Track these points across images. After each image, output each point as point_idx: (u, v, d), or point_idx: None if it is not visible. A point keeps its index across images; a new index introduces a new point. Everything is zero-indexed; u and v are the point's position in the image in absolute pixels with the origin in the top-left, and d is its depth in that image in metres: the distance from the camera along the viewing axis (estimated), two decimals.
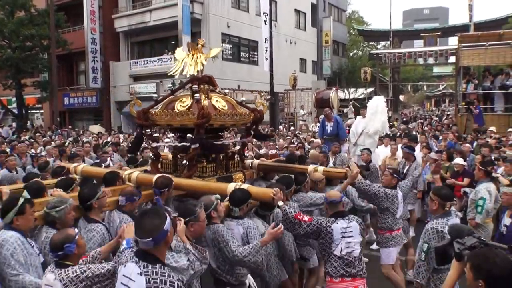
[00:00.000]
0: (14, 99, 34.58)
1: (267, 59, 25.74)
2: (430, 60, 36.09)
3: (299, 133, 19.02)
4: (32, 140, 17.35)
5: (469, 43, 20.80)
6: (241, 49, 33.77)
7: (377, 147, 12.81)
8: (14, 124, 33.73)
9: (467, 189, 9.16)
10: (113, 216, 5.29)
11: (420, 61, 38.39)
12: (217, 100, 6.70)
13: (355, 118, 16.72)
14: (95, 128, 29.24)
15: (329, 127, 13.86)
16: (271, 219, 5.63)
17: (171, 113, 6.43)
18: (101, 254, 4.19)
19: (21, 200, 4.46)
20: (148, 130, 7.11)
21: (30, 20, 30.27)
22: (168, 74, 7.27)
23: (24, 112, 33.35)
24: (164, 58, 31.79)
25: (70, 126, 30.77)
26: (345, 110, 27.67)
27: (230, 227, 5.02)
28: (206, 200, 4.88)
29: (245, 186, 5.68)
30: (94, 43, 33.59)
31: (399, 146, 12.17)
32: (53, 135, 23.42)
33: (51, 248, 3.80)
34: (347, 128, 15.70)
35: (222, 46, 31.56)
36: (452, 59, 32.85)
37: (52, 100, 30.28)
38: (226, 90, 7.55)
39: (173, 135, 8.67)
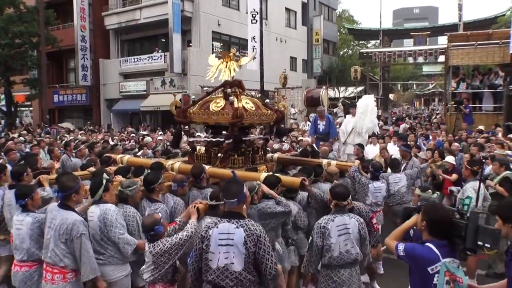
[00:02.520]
0: (3, 96, 34.36)
1: (254, 58, 25.70)
2: (420, 59, 36.34)
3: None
4: (22, 138, 17.27)
5: (459, 42, 20.92)
6: (231, 47, 33.60)
7: (366, 146, 12.88)
8: (3, 122, 33.56)
9: (453, 188, 9.25)
10: (167, 198, 6.44)
11: (410, 60, 38.68)
12: (246, 102, 7.68)
13: (345, 116, 16.77)
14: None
15: (322, 125, 13.95)
16: (297, 201, 6.62)
17: (207, 112, 7.47)
18: (182, 221, 5.43)
19: (104, 180, 5.61)
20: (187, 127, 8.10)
21: (19, 17, 30.03)
22: (206, 79, 7.98)
23: (13, 109, 33.14)
24: (154, 56, 31.75)
25: (59, 124, 30.60)
26: (335, 110, 27.66)
27: (270, 205, 5.85)
28: (250, 185, 5.71)
29: (278, 175, 6.70)
30: (83, 41, 33.48)
31: (389, 145, 12.29)
32: (42, 132, 23.33)
33: (144, 230, 4.97)
34: (337, 126, 15.76)
35: (212, 44, 31.60)
36: (441, 58, 33.09)
37: (42, 98, 30.10)
38: (253, 93, 8.38)
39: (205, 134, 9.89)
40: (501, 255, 6.38)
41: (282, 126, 8.67)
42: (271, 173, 6.92)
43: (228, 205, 4.41)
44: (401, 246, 4.14)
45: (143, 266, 4.99)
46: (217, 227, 4.34)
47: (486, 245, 3.74)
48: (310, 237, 5.33)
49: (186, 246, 5.01)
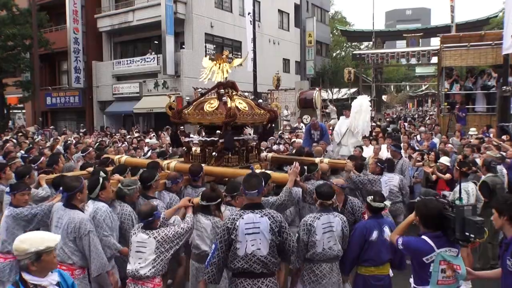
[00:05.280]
0: None
1: (252, 59, 25.68)
2: (413, 61, 36.21)
3: (282, 133, 19.03)
4: (14, 140, 17.15)
5: (451, 43, 20.92)
6: (224, 49, 33.57)
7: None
8: None
9: (446, 192, 9.28)
10: (163, 195, 6.87)
11: (403, 61, 38.58)
12: (239, 102, 7.97)
13: (338, 118, 16.80)
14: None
15: (316, 135, 14.06)
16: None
17: (201, 113, 7.80)
18: (166, 217, 5.55)
19: (101, 179, 5.87)
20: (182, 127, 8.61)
21: (12, 19, 29.91)
22: (199, 81, 8.35)
23: (5, 112, 33.02)
24: (147, 58, 31.74)
25: (52, 126, 30.49)
26: (327, 110, 27.73)
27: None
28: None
29: (268, 172, 7.11)
30: (76, 43, 33.39)
31: (383, 146, 12.32)
32: (34, 135, 23.22)
33: (143, 217, 5.15)
34: (330, 129, 15.80)
35: (205, 46, 31.56)
36: (434, 59, 33.02)
37: (34, 100, 30.05)
38: (246, 94, 8.60)
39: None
40: None
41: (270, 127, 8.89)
42: (262, 170, 7.14)
43: (249, 196, 4.87)
44: (400, 240, 4.64)
45: (132, 264, 5.13)
46: (243, 218, 4.75)
47: (471, 235, 4.13)
48: (297, 234, 5.54)
49: (186, 238, 5.36)
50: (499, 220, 4.36)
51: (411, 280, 4.71)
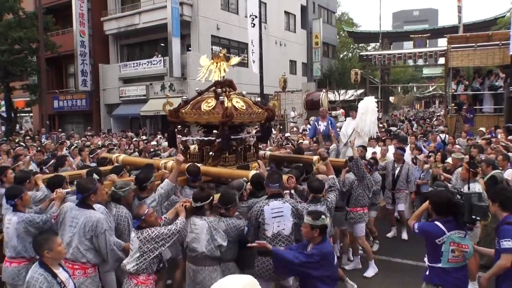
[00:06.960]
0: (2, 102, 34.31)
1: (254, 61, 25.64)
2: (420, 62, 36.07)
3: (289, 135, 18.96)
4: (23, 144, 17.19)
5: (458, 44, 20.81)
6: (230, 51, 33.38)
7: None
8: (3, 128, 33.52)
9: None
10: None
11: (410, 62, 38.43)
12: (237, 101, 7.94)
13: (345, 120, 16.72)
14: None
15: (322, 126, 13.99)
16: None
17: (198, 112, 7.78)
18: (169, 217, 5.81)
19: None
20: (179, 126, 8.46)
21: (19, 23, 29.92)
22: (197, 79, 8.41)
23: (13, 115, 33.09)
24: (153, 60, 31.77)
25: (59, 130, 30.55)
26: (334, 113, 27.63)
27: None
28: (238, 183, 6.49)
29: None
30: (83, 46, 33.47)
31: (390, 147, 12.25)
32: (42, 138, 23.26)
33: (135, 218, 5.36)
34: (338, 129, 15.73)
35: (212, 48, 31.57)
36: (441, 60, 32.88)
37: (41, 103, 30.08)
38: (244, 92, 8.63)
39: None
40: None
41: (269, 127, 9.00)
42: (257, 171, 7.12)
43: (272, 188, 5.95)
44: (416, 225, 5.37)
45: (126, 258, 5.35)
46: (268, 205, 5.83)
47: (478, 218, 4.98)
48: None
49: (173, 240, 5.42)
50: (493, 207, 5.35)
51: (426, 259, 5.37)
